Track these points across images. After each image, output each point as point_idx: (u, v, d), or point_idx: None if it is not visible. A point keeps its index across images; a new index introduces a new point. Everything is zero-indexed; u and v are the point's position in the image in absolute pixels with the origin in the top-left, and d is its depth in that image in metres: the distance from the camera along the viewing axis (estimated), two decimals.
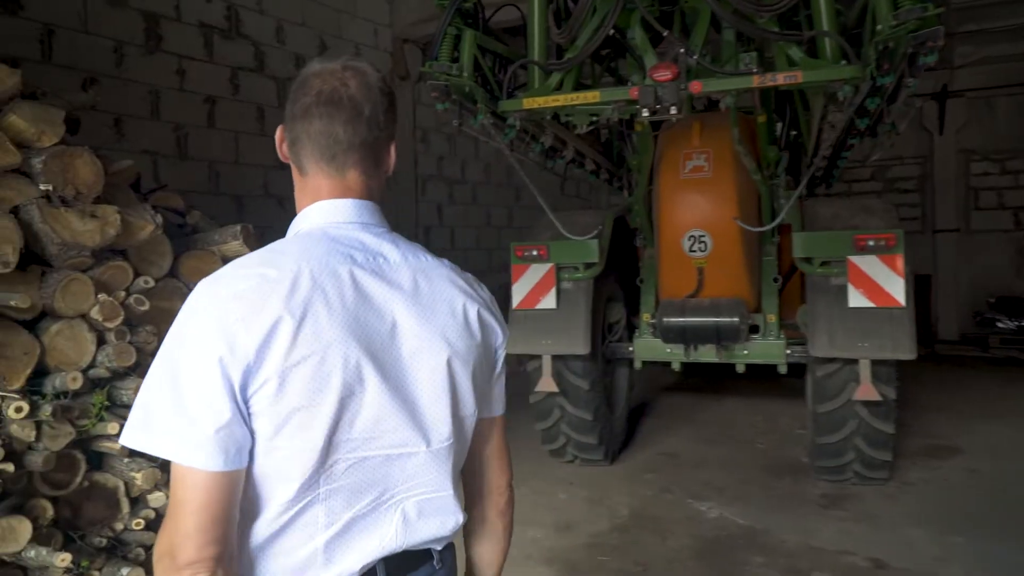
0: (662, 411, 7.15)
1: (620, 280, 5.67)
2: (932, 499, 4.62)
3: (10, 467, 2.65)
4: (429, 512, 1.20)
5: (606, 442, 5.28)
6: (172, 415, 1.02)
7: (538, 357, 4.97)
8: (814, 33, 3.38)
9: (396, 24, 9.16)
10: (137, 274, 3.36)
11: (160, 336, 3.42)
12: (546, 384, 4.80)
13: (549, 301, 4.74)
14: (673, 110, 3.32)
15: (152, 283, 3.39)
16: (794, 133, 5.30)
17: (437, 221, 10.13)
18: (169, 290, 3.58)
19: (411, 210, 9.59)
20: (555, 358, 4.86)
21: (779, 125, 5.18)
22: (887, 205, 4.71)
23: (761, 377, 5.91)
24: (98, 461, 3.10)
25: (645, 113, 3.37)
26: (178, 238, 3.82)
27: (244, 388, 1.03)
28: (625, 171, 5.97)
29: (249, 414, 1.05)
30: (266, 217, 7.25)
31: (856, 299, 4.20)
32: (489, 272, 11.36)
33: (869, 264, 4.17)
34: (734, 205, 4.81)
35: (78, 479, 2.88)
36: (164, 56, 6.52)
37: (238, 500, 1.06)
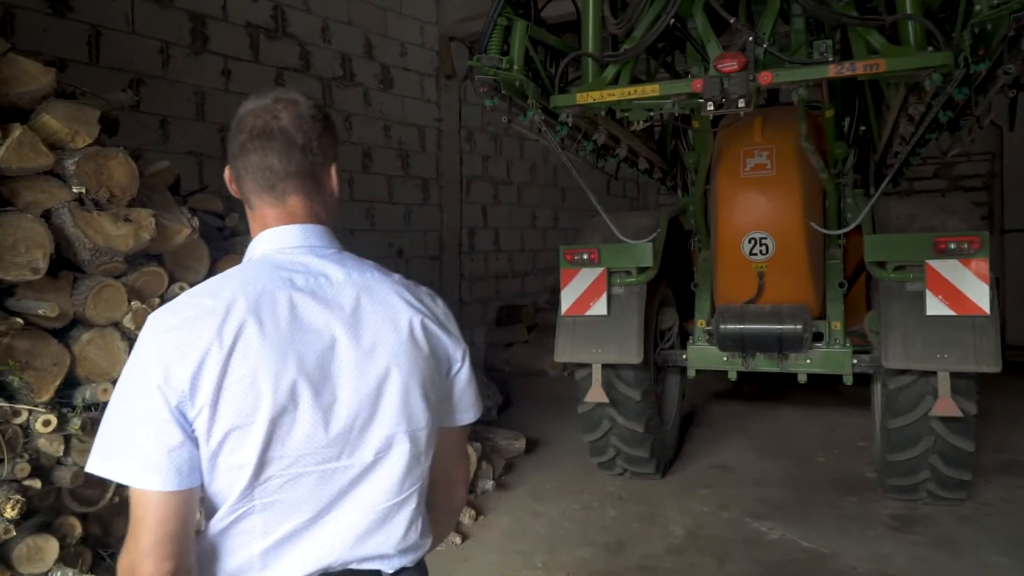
0: (712, 420, 6.85)
1: (672, 284, 5.41)
2: (1014, 522, 4.25)
3: (37, 483, 2.54)
4: (370, 528, 1.22)
5: (657, 455, 5.03)
6: (127, 442, 1.11)
7: (587, 366, 4.74)
8: (899, 17, 3.08)
9: (442, 22, 9.01)
10: (172, 280, 3.25)
11: None
12: (596, 394, 4.57)
13: (600, 307, 4.51)
14: (741, 103, 3.06)
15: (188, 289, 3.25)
16: (863, 128, 4.97)
17: (482, 222, 9.96)
18: None
19: (456, 211, 9.43)
20: (605, 367, 4.62)
21: (846, 120, 4.86)
22: (968, 204, 4.36)
23: (817, 385, 5.59)
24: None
25: (710, 107, 3.12)
26: (216, 242, 3.71)
27: (184, 414, 1.10)
28: (679, 170, 5.71)
29: (195, 437, 1.12)
30: None
31: (935, 307, 3.88)
32: (534, 274, 11.16)
33: (950, 269, 3.85)
34: (799, 205, 4.51)
35: (108, 495, 2.76)
36: (210, 56, 6.48)
37: (193, 517, 1.15)
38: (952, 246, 3.82)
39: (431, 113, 9.11)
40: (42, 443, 2.56)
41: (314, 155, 1.27)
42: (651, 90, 3.38)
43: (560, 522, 4.50)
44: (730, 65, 3.10)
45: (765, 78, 3.11)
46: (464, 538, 4.19)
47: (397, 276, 1.33)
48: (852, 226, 4.18)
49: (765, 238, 4.58)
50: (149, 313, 2.94)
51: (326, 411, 1.16)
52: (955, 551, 3.90)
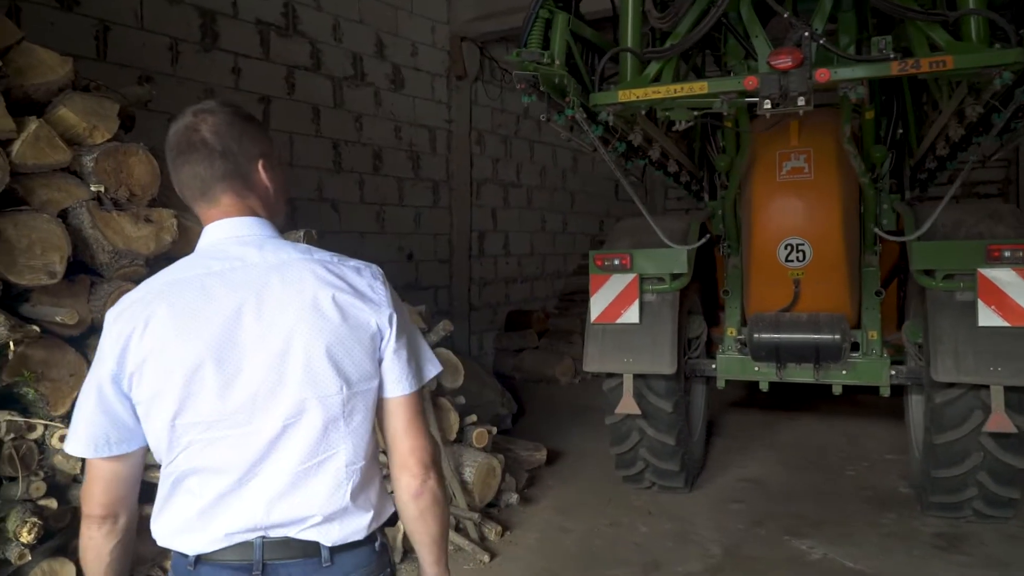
0: (734, 431, 6.67)
1: (700, 291, 5.24)
2: None
3: (53, 503, 2.35)
4: (286, 489, 1.30)
5: (687, 468, 4.85)
6: (76, 422, 1.33)
7: (616, 375, 4.56)
8: (966, 11, 2.92)
9: (454, 21, 8.85)
10: None
11: None
12: (627, 405, 4.39)
13: (632, 315, 4.33)
14: (801, 101, 2.89)
15: None
16: (900, 131, 4.81)
17: (491, 226, 9.79)
18: None
19: (466, 214, 9.26)
20: (636, 377, 4.44)
21: (883, 122, 4.70)
22: (1016, 210, 4.19)
23: (831, 394, 5.40)
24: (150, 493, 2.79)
25: (767, 105, 2.94)
26: None
27: (120, 389, 1.31)
28: (706, 173, 5.53)
29: (134, 408, 1.33)
30: (320, 222, 6.98)
31: (987, 317, 3.71)
32: (543, 278, 10.99)
33: (1004, 277, 3.68)
34: (838, 210, 4.35)
35: None
36: (220, 54, 6.30)
37: (126, 477, 1.37)
38: (1007, 254, 3.65)
39: (441, 114, 8.94)
40: (58, 460, 2.37)
41: (236, 157, 1.38)
42: (699, 88, 3.20)
43: (590, 539, 4.31)
44: (785, 61, 2.92)
45: (823, 75, 2.94)
46: (492, 556, 4.00)
47: (323, 255, 1.40)
48: (923, 230, 3.86)
49: (802, 244, 4.41)
50: None
51: (230, 379, 1.28)
52: (1008, 574, 3.73)
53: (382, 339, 1.38)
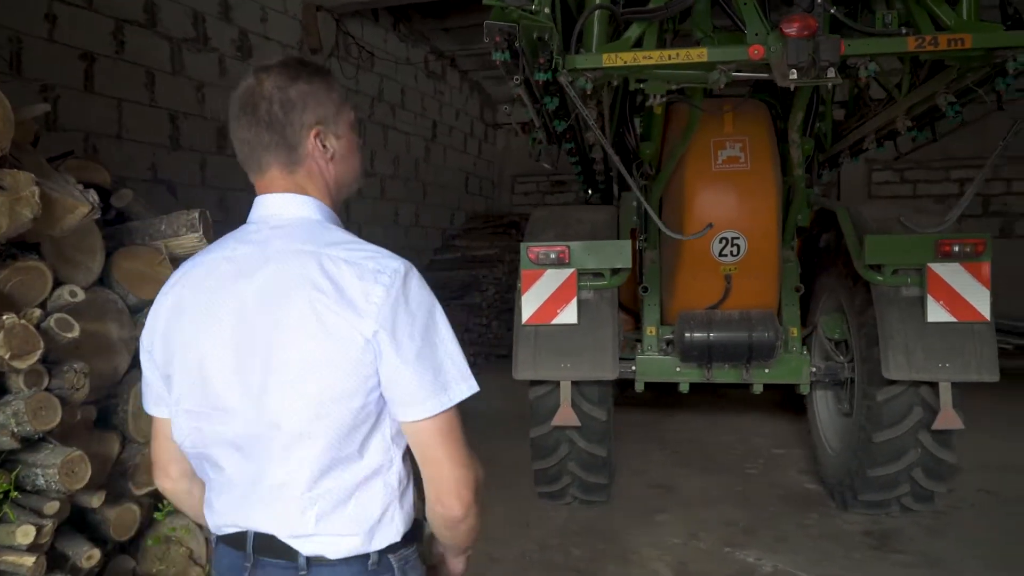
0: (619, 432, 6.44)
1: None
2: (981, 532, 4.17)
3: None
4: (260, 503, 1.25)
5: (611, 479, 4.49)
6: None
7: (546, 382, 4.09)
8: None
9: None
10: (57, 282, 2.20)
11: (93, 375, 2.25)
12: (565, 416, 3.92)
13: (569, 315, 3.87)
14: (831, 72, 2.57)
15: (80, 295, 2.22)
16: (819, 125, 4.74)
17: (344, 216, 8.92)
18: (99, 305, 2.42)
19: None
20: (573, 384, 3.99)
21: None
22: (941, 207, 4.23)
23: (702, 390, 5.32)
24: None
25: (793, 75, 2.59)
26: (102, 228, 2.63)
27: (150, 358, 1.35)
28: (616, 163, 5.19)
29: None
30: (153, 207, 5.86)
31: (936, 313, 3.65)
32: None
33: (952, 273, 3.64)
34: (774, 203, 4.17)
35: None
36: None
37: (170, 435, 1.35)
38: (956, 248, 3.61)
39: None
40: None
41: (283, 125, 1.28)
42: (697, 55, 2.80)
43: (524, 568, 3.81)
44: (798, 29, 2.59)
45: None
46: None
47: (335, 246, 1.24)
48: (952, 219, 3.59)
49: (737, 238, 4.19)
50: (26, 331, 1.91)
51: (212, 379, 1.24)
52: (954, 572, 3.70)
53: (377, 355, 1.19)
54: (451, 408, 1.23)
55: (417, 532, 1.35)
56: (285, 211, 1.30)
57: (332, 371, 1.19)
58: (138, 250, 2.63)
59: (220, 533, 1.32)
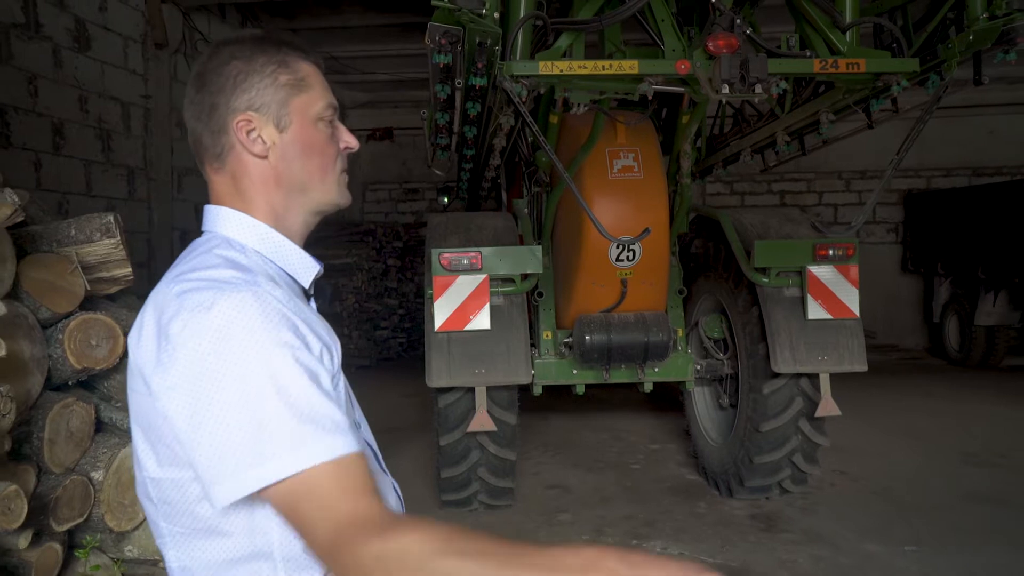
0: None
1: None
2: (843, 507, 4.63)
3: None
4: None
5: (515, 483, 4.54)
6: None
7: (453, 390, 4.05)
8: (869, 20, 3.07)
9: None
10: None
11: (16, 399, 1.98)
12: (482, 422, 3.90)
13: (482, 321, 3.87)
14: (759, 88, 2.76)
15: (2, 308, 1.96)
16: (697, 137, 5.07)
17: (197, 224, 8.35)
18: (10, 320, 2.14)
19: (167, 210, 7.80)
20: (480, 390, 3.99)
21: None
22: (804, 214, 4.66)
23: (556, 391, 5.54)
24: None
25: (725, 90, 2.76)
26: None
27: None
28: (503, 170, 5.27)
29: None
30: None
31: (815, 311, 4.03)
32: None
33: (827, 274, 4.03)
34: (665, 210, 4.40)
35: None
36: None
37: None
38: (831, 252, 4.00)
39: (137, 88, 7.40)
40: None
41: (208, 109, 1.08)
42: (628, 67, 2.91)
43: None
44: (723, 47, 2.78)
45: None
46: None
47: (182, 275, 1.00)
48: (857, 225, 3.87)
49: (633, 243, 4.38)
50: None
51: None
52: (833, 545, 4.07)
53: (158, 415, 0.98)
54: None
55: None
56: (206, 227, 1.12)
57: (160, 428, 1.07)
58: (45, 258, 2.34)
59: None
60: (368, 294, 10.22)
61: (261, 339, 0.92)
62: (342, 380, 1.13)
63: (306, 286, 1.17)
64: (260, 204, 1.10)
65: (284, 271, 1.12)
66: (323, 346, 1.03)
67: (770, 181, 12.47)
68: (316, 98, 1.11)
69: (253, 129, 1.07)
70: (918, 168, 12.27)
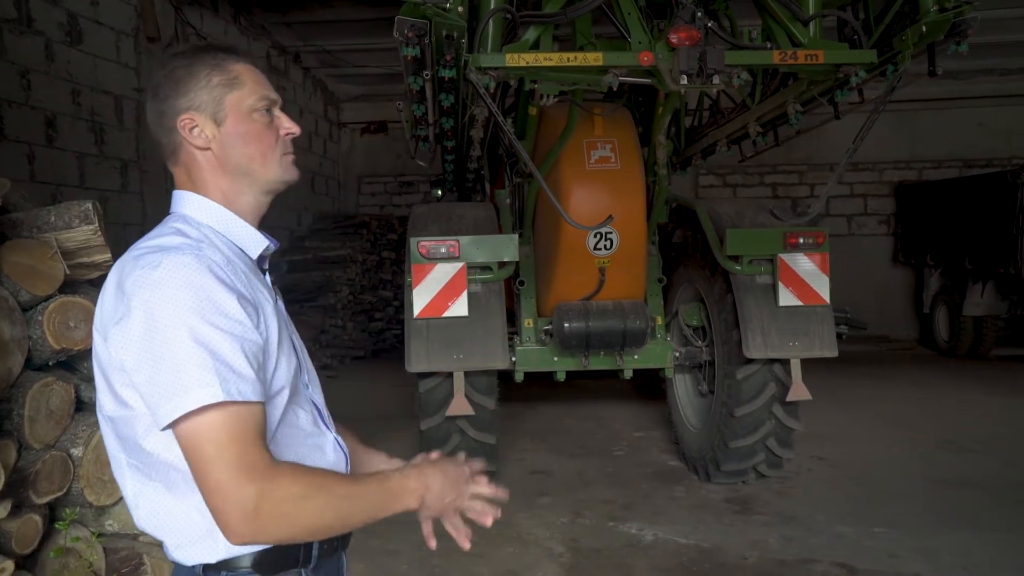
0: None
1: None
2: (819, 491, 4.73)
3: None
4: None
5: (495, 467, 4.64)
6: None
7: (433, 375, 4.16)
8: (829, 12, 3.16)
9: None
10: None
11: None
12: (460, 406, 4.01)
13: (460, 307, 3.97)
14: (716, 79, 2.85)
15: None
16: (673, 128, 5.15)
17: None
18: None
19: (160, 202, 7.82)
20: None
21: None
22: (780, 204, 4.75)
23: (538, 378, 5.64)
24: None
25: (684, 81, 2.85)
26: None
27: None
28: (487, 160, 5.36)
29: None
30: None
31: (786, 298, 4.12)
32: None
33: (798, 262, 4.12)
34: (642, 199, 4.50)
35: None
36: None
37: None
38: (802, 240, 4.09)
39: (130, 81, 7.48)
40: None
41: (158, 113, 1.25)
42: (593, 59, 3.00)
43: (427, 557, 3.86)
44: (684, 39, 2.87)
45: None
46: None
47: (140, 243, 1.20)
48: (814, 212, 4.03)
49: (611, 233, 4.47)
50: None
51: None
52: (804, 526, 4.17)
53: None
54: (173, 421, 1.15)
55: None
56: (172, 209, 1.28)
57: (109, 373, 1.23)
58: (26, 243, 2.43)
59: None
60: (363, 286, 10.31)
61: (195, 293, 1.09)
62: (285, 332, 1.27)
63: (254, 257, 1.30)
64: (211, 189, 1.26)
65: (234, 244, 1.27)
66: (253, 306, 1.17)
67: (762, 173, 12.53)
68: (248, 93, 1.26)
69: (196, 126, 1.23)
70: (909, 160, 12.35)
